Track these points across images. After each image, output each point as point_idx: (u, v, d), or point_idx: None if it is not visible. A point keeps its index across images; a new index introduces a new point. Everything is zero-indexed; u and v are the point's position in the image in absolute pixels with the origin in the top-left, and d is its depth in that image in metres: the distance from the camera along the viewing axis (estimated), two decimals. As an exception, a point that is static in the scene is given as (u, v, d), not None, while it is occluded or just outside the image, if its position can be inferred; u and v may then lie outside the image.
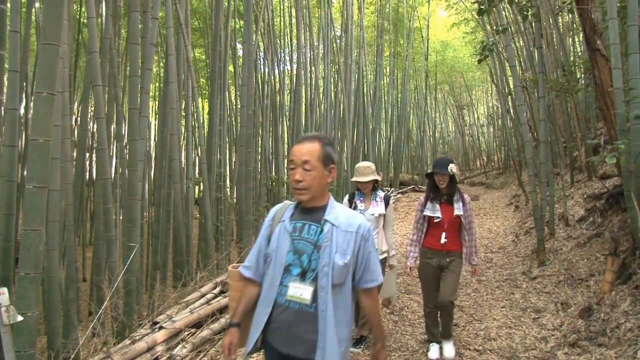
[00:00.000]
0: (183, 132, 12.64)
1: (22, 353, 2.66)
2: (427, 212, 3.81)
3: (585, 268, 5.32)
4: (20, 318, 2.45)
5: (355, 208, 3.94)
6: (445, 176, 3.69)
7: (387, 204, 4.00)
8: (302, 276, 1.87)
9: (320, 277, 1.83)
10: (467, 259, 3.83)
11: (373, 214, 3.90)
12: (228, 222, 9.36)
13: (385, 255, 3.99)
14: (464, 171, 28.72)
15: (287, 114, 13.67)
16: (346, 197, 4.15)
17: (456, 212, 3.74)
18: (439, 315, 3.85)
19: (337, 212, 1.96)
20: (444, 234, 3.74)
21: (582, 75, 9.66)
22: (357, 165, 4.02)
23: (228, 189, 11.57)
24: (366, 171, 3.93)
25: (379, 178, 4.01)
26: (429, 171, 3.86)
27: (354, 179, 4.00)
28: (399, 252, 7.79)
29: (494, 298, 5.23)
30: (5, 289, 2.40)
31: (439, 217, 3.75)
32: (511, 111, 15.43)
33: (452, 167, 3.68)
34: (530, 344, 3.97)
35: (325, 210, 1.95)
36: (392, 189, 16.80)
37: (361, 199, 4.00)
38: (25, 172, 6.85)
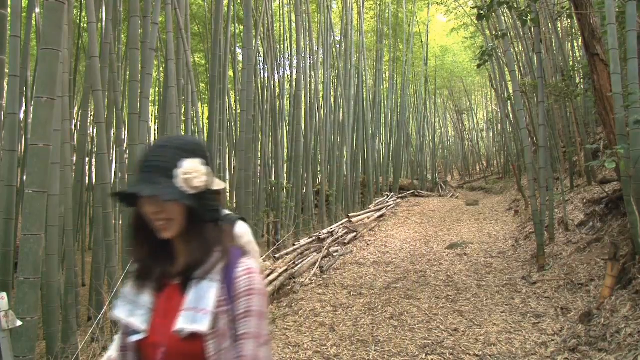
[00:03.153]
0: (183, 136, 12.62)
1: (21, 358, 2.65)
2: (119, 313, 1.19)
3: (585, 273, 5.31)
4: (19, 323, 2.44)
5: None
6: (162, 204, 1.12)
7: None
8: None
9: None
10: None
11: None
12: (227, 227, 9.32)
13: None
14: (463, 176, 28.74)
15: (287, 118, 13.70)
16: None
17: (179, 325, 1.10)
18: None
19: None
20: None
21: (581, 80, 9.70)
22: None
23: (228, 194, 11.56)
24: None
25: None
26: (126, 190, 1.17)
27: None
28: (399, 257, 7.78)
29: (494, 303, 5.22)
30: (4, 294, 2.39)
31: (138, 334, 1.15)
32: (510, 116, 15.46)
33: (188, 174, 1.12)
34: (530, 349, 3.96)
35: None
36: (392, 193, 16.78)
37: None
38: (24, 177, 6.85)
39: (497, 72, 14.99)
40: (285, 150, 12.95)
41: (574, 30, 11.41)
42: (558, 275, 5.61)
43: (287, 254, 7.39)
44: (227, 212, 1.97)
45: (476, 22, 11.04)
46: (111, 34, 6.92)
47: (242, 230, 1.90)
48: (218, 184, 1.76)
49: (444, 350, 3.96)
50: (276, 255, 7.23)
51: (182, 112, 9.35)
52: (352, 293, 5.77)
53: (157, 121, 12.92)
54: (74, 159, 7.46)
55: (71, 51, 7.16)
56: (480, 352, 3.92)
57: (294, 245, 8.06)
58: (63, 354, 4.46)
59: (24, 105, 8.01)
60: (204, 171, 1.17)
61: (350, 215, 10.99)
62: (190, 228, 1.19)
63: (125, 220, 5.67)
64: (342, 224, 10.06)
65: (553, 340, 4.07)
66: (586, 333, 3.88)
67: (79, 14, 10.92)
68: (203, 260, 1.18)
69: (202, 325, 1.10)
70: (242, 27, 11.33)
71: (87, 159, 10.81)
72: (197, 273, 1.16)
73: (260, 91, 11.99)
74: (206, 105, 15.49)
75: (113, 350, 1.32)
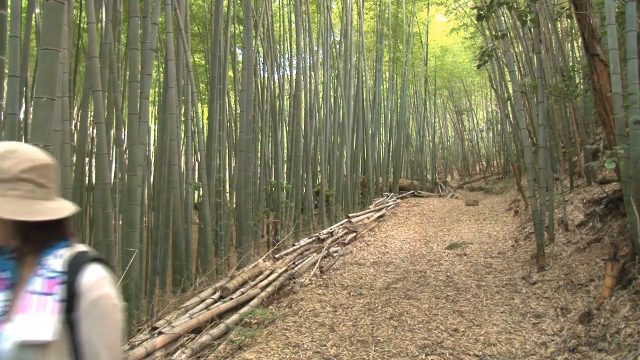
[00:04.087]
0: (182, 137, 12.65)
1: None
2: None
3: (585, 273, 5.31)
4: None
5: None
6: None
7: (72, 296, 1.08)
8: None
9: None
10: None
11: (17, 341, 1.01)
12: (227, 227, 9.35)
13: None
14: (463, 176, 28.75)
15: (287, 119, 13.70)
16: None
17: None
18: None
19: None
20: None
21: (581, 80, 9.70)
22: None
23: (227, 194, 11.56)
24: None
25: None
26: None
27: None
28: (399, 258, 7.78)
29: (494, 303, 5.22)
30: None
31: None
32: (510, 116, 15.46)
33: None
34: (530, 349, 3.96)
35: None
36: (392, 194, 16.79)
37: (3, 275, 1.14)
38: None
39: (496, 73, 14.99)
40: (285, 151, 12.95)
41: (573, 31, 11.41)
42: (558, 276, 5.61)
43: (287, 254, 7.39)
44: (82, 248, 1.22)
45: (476, 22, 11.05)
46: (111, 35, 6.92)
47: (92, 280, 1.13)
48: (59, 210, 1.17)
49: (443, 351, 3.96)
50: (276, 256, 7.23)
51: (182, 112, 9.36)
52: (352, 293, 5.77)
53: (156, 121, 12.92)
54: (74, 159, 7.46)
55: (71, 51, 7.15)
56: (480, 352, 3.92)
57: (293, 245, 8.07)
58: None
59: (24, 105, 8.01)
60: None
61: (350, 215, 10.99)
62: None
63: (124, 221, 5.67)
64: (341, 224, 10.07)
65: (553, 340, 4.07)
66: (586, 333, 3.88)
67: (79, 14, 10.92)
68: None
69: None
70: (242, 28, 11.33)
71: (87, 159, 10.81)
72: None
73: (260, 91, 11.99)
74: (206, 105, 15.49)
75: None
